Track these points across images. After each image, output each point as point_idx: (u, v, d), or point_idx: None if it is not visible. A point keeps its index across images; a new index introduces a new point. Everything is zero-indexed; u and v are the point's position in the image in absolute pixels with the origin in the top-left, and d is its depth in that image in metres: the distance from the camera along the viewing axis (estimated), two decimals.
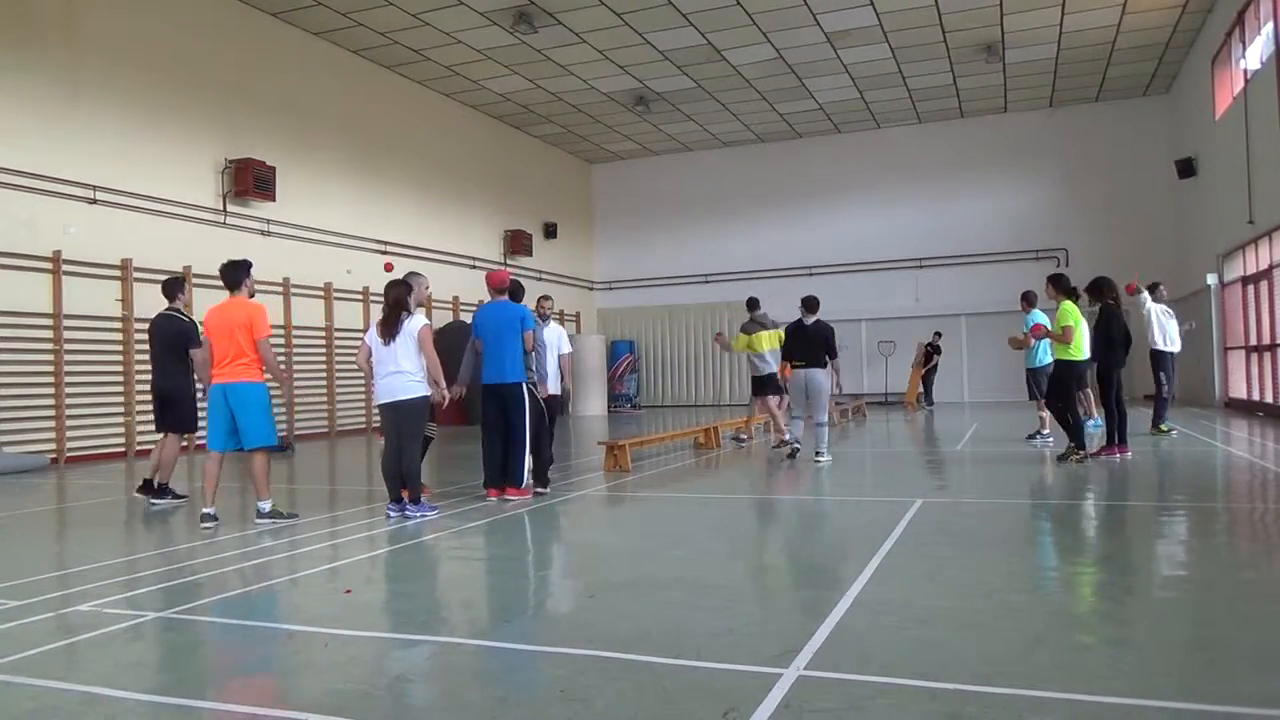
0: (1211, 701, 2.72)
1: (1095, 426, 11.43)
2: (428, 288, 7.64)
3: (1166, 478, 8.31)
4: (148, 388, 8.29)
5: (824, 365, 9.79)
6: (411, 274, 7.26)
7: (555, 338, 8.43)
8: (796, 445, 10.03)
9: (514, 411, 7.45)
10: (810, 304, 10.12)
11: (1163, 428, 11.51)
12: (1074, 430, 8.96)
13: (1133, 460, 9.08)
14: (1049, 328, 9.84)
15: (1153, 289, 11.80)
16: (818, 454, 9.70)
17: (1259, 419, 13.93)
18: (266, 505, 6.65)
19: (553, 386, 8.37)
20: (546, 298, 9.28)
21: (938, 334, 20.76)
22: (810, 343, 9.82)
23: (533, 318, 7.72)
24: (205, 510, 6.54)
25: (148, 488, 7.83)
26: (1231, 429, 12.47)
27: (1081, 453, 8.92)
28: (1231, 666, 3.07)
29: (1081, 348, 9.00)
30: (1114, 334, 9.25)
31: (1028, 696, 2.79)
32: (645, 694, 2.91)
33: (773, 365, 11.33)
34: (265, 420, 6.67)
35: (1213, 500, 6.90)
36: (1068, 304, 9.05)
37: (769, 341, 11.38)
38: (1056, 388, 9.25)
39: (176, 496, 7.86)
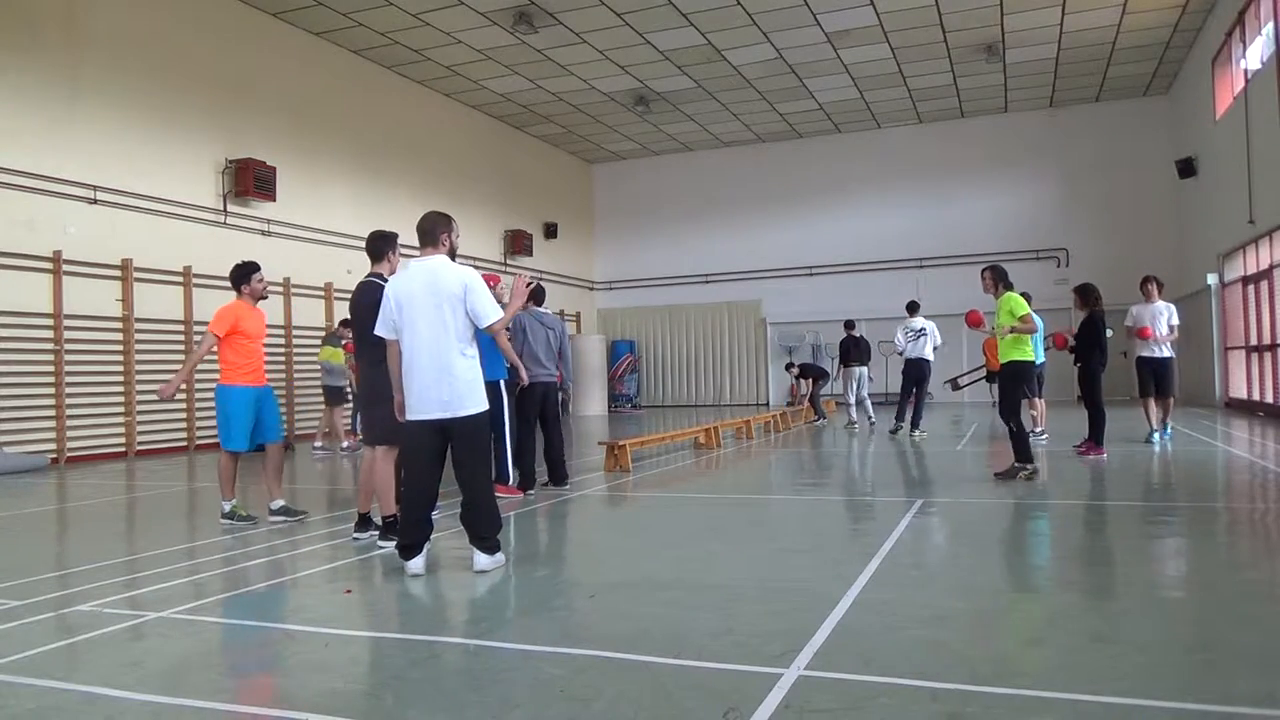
0: (1211, 701, 2.72)
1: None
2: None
3: (1165, 478, 8.31)
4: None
5: (867, 365, 14.65)
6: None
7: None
8: (872, 422, 14.48)
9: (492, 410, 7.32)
10: (851, 324, 14.92)
11: (916, 434, 12.54)
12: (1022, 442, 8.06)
13: (1132, 461, 9.07)
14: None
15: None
16: (871, 420, 14.49)
17: (1259, 419, 13.92)
18: (227, 506, 6.60)
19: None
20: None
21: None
22: (861, 350, 14.56)
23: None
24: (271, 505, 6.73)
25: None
26: (1232, 429, 12.46)
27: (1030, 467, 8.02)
28: (1231, 666, 3.07)
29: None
30: (1100, 338, 9.67)
31: (1028, 696, 2.79)
32: (645, 694, 2.91)
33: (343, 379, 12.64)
34: (221, 423, 6.57)
35: (1212, 500, 6.90)
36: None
37: (337, 356, 12.68)
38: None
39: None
